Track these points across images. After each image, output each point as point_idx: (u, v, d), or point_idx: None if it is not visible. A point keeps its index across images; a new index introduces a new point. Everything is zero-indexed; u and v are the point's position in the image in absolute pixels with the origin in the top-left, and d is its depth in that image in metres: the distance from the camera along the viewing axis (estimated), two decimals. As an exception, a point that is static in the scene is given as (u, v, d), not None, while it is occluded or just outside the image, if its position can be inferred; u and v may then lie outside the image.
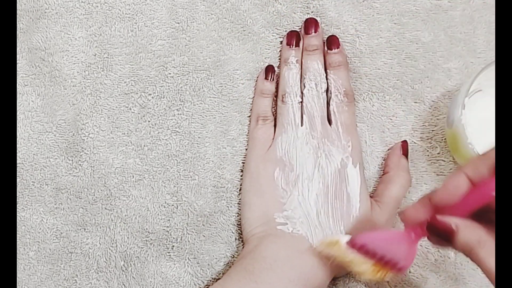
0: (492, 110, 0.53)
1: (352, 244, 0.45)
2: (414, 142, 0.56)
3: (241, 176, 0.56)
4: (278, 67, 0.57)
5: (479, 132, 0.51)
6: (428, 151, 0.56)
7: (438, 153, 0.56)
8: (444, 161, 0.56)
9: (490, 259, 0.37)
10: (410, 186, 0.55)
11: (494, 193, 0.38)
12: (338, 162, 0.53)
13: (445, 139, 0.56)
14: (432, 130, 0.56)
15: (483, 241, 0.38)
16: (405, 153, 0.55)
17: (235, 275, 0.49)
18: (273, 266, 0.48)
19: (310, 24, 0.56)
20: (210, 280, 0.55)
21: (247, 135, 0.56)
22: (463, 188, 0.40)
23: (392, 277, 0.48)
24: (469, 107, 0.52)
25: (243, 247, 0.54)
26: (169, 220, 0.55)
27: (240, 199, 0.55)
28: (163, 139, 0.56)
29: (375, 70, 0.56)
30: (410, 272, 0.54)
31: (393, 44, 0.57)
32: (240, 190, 0.55)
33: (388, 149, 0.56)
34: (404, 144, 0.55)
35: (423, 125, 0.56)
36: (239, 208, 0.55)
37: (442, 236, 0.40)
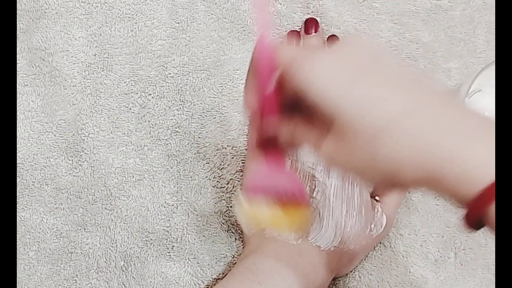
0: (492, 110, 0.52)
1: (246, 190, 0.44)
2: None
3: (241, 176, 0.56)
4: (278, 67, 0.57)
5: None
6: (428, 151, 0.56)
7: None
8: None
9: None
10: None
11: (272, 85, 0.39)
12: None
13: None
14: (432, 130, 0.56)
15: (297, 132, 0.40)
16: None
17: (238, 275, 0.49)
18: (276, 266, 0.48)
19: (310, 24, 0.56)
20: (210, 280, 0.55)
21: (247, 135, 0.56)
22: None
23: (306, 215, 0.45)
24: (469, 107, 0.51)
25: (243, 247, 0.54)
26: (169, 220, 0.55)
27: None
28: (163, 139, 0.56)
29: (375, 70, 0.56)
30: (410, 272, 0.54)
31: (393, 44, 0.57)
32: (240, 190, 0.55)
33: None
34: None
35: (423, 125, 0.56)
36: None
37: (271, 140, 0.41)
